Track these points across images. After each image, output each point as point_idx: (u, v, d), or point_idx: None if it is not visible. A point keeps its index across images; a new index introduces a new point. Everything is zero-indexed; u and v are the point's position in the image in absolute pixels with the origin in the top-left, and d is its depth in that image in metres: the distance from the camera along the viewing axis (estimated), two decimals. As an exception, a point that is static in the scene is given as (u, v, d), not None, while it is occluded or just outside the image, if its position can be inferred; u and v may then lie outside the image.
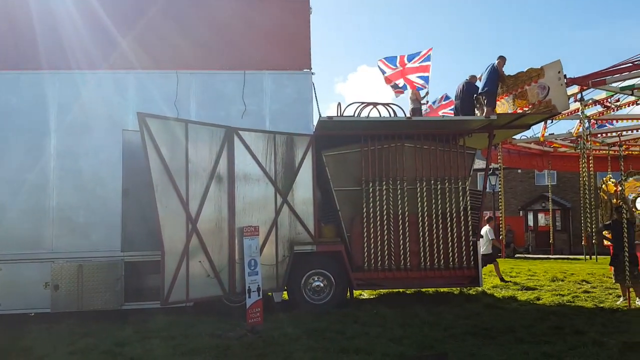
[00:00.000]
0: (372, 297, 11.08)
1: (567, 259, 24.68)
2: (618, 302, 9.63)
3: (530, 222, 33.77)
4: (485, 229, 13.75)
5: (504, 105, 11.06)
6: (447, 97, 15.81)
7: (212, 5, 9.80)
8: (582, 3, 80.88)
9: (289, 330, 7.41)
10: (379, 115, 9.90)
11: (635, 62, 10.36)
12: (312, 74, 9.78)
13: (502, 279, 13.27)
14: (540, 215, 33.92)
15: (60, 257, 8.60)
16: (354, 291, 10.04)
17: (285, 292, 9.46)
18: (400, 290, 11.11)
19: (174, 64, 9.41)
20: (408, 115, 10.60)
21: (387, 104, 9.98)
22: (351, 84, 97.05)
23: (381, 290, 10.67)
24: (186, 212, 7.92)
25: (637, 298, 9.59)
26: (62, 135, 8.97)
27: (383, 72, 13.88)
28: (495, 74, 10.30)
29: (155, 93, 9.17)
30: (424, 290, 11.20)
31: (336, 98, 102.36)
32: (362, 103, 9.94)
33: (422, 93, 12.58)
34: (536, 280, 13.67)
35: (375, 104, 9.98)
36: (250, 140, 8.89)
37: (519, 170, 32.51)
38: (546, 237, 28.44)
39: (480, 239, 13.56)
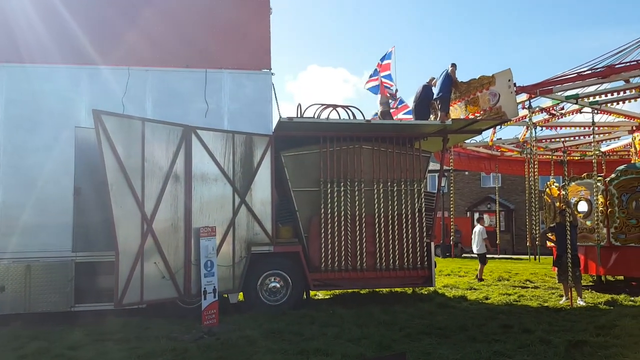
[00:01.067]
0: (327, 297, 11.17)
1: (511, 258, 25.72)
2: (561, 302, 10.12)
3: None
4: (477, 229, 14.24)
5: (457, 111, 11.39)
6: (401, 101, 16.11)
7: (172, 3, 9.61)
8: (534, 12, 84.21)
9: (246, 332, 7.35)
10: (338, 117, 9.99)
11: (580, 73, 10.91)
12: (272, 74, 9.75)
13: (480, 279, 13.69)
14: (486, 216, 35.06)
15: (6, 258, 8.20)
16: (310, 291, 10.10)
17: (241, 293, 9.39)
18: (355, 290, 11.25)
19: (130, 60, 9.14)
20: (375, 116, 10.78)
21: (347, 107, 10.12)
22: (301, 82, 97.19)
23: (336, 290, 10.79)
24: (141, 212, 7.73)
25: (579, 298, 10.10)
26: (9, 130, 8.55)
27: (374, 74, 13.89)
28: (449, 81, 10.59)
29: (110, 89, 8.89)
30: (377, 289, 11.39)
31: (286, 96, 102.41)
32: (322, 105, 10.00)
33: (393, 93, 12.72)
34: (483, 279, 14.17)
35: (334, 106, 10.08)
36: (209, 140, 8.77)
37: (467, 173, 33.53)
38: (491, 237, 29.40)
39: (474, 238, 14.06)
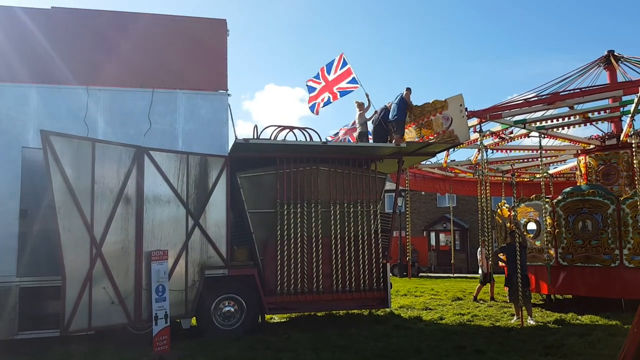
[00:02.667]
0: (283, 320, 11.05)
1: (466, 277, 26.16)
2: (512, 321, 10.35)
3: (433, 242, 35.49)
4: (479, 250, 14.49)
5: (411, 133, 11.62)
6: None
7: (128, 22, 9.48)
8: (484, 38, 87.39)
9: (198, 359, 7.18)
10: (295, 139, 10.01)
11: (527, 99, 11.36)
12: (228, 95, 9.72)
13: (492, 298, 14.04)
14: (442, 235, 35.76)
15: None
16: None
17: (193, 318, 9.18)
18: (311, 313, 11.18)
19: (82, 79, 8.93)
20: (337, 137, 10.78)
21: (303, 128, 10.17)
22: (258, 101, 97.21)
23: (292, 313, 10.70)
24: (90, 235, 7.49)
25: (529, 317, 10.36)
26: (-51, 150, 8.17)
27: (312, 91, 13.91)
28: (404, 104, 10.81)
29: (60, 109, 8.65)
30: (334, 312, 11.36)
31: (243, 115, 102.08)
32: (279, 126, 10.02)
33: (367, 106, 12.58)
34: (439, 299, 14.36)
35: (291, 128, 10.11)
36: (162, 161, 8.62)
37: (423, 193, 34.12)
38: (447, 256, 30.02)
39: (479, 259, 14.18)
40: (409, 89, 10.94)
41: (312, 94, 14.04)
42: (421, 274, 28.17)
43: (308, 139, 10.04)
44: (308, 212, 9.84)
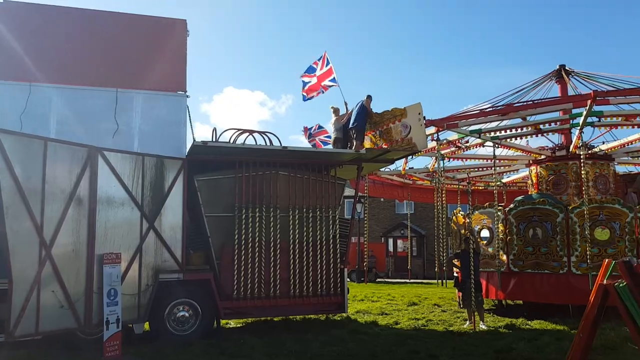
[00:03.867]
0: (239, 325, 10.94)
1: (422, 283, 26.60)
2: (465, 326, 10.57)
3: (390, 248, 35.95)
4: None
5: (371, 140, 11.75)
6: (320, 127, 16.40)
7: (85, 20, 9.24)
8: (445, 49, 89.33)
9: (151, 365, 7.03)
10: (254, 143, 9.97)
11: (482, 110, 11.69)
12: (187, 96, 9.60)
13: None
14: (400, 242, 36.26)
15: None
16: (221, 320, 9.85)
17: (147, 323, 8.97)
18: (268, 318, 11.11)
19: (33, 75, 8.63)
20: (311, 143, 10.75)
21: (263, 132, 10.14)
22: (217, 104, 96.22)
23: (248, 319, 10.62)
24: (40, 237, 7.24)
25: (481, 322, 10.61)
26: None
27: (305, 85, 13.78)
28: (364, 111, 10.93)
29: (9, 106, 8.33)
30: (291, 317, 11.32)
31: (201, 118, 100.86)
32: (238, 130, 9.95)
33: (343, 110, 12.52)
34: (395, 304, 14.53)
35: (251, 132, 10.06)
36: (116, 162, 8.43)
37: (382, 199, 34.52)
38: (404, 262, 30.43)
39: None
40: (369, 97, 11.07)
41: (305, 88, 13.89)
42: (378, 280, 28.49)
43: (268, 143, 10.01)
44: (266, 216, 9.80)
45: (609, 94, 10.79)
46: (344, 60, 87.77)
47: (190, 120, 9.56)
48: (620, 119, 11.82)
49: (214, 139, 9.75)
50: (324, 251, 10.08)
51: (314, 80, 13.34)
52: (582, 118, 11.20)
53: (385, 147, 11.01)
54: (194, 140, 9.29)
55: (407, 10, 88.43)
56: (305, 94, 13.59)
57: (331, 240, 10.21)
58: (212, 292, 9.19)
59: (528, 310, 12.48)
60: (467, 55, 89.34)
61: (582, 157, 11.69)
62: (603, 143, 14.42)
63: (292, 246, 9.88)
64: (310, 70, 13.47)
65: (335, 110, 11.76)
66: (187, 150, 9.48)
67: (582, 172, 12.02)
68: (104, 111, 8.98)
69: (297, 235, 9.95)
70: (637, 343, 6.14)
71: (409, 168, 16.70)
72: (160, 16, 9.86)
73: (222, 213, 9.64)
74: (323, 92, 13.45)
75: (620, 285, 6.34)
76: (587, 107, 10.58)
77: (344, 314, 11.09)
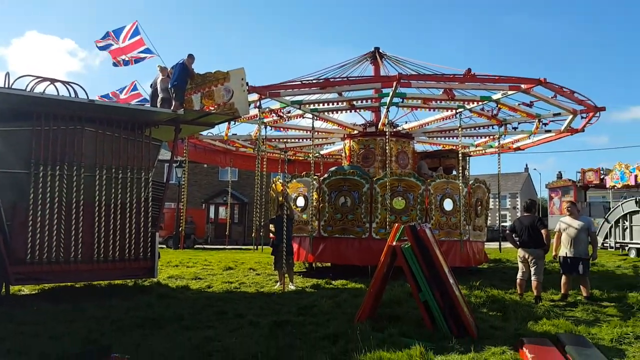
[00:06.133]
0: (34, 292, 9.96)
1: (241, 249, 27.06)
2: (275, 287, 11.06)
3: (212, 215, 35.80)
4: None
5: (192, 102, 11.41)
6: (135, 88, 15.49)
7: None
8: (277, 22, 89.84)
9: None
10: (57, 93, 8.99)
11: (303, 82, 12.11)
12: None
13: None
14: (222, 209, 36.29)
15: None
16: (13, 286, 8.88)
17: None
18: (69, 284, 10.31)
19: None
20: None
21: (68, 82, 9.18)
22: (16, 49, 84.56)
23: (46, 285, 9.74)
24: None
25: (291, 283, 11.19)
26: None
27: (106, 48, 13.08)
28: (185, 71, 10.53)
29: None
30: (96, 283, 10.66)
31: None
32: (37, 77, 8.87)
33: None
34: (210, 269, 14.57)
35: (53, 80, 9.04)
36: None
37: (205, 165, 34.02)
38: (225, 228, 30.59)
39: None
40: (190, 55, 10.69)
41: (108, 50, 13.30)
42: (197, 246, 28.22)
43: (73, 95, 9.09)
44: (69, 175, 8.98)
45: (412, 78, 11.97)
46: (153, 23, 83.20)
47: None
48: (420, 101, 13.21)
49: (6, 86, 8.56)
50: (133, 214, 9.60)
51: (114, 46, 12.87)
52: (389, 98, 12.26)
53: (207, 110, 10.81)
54: (-19, 86, 8.05)
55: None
56: (115, 61, 13.09)
57: (142, 203, 9.76)
58: (1, 256, 8.20)
59: (334, 272, 13.48)
60: (303, 31, 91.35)
61: (387, 134, 12.85)
62: (406, 123, 16.02)
63: (97, 208, 9.22)
64: (105, 36, 12.99)
65: (163, 70, 11.20)
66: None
67: (387, 147, 13.23)
68: None
69: (103, 197, 9.31)
70: (416, 297, 7.06)
71: (232, 134, 16.64)
72: None
73: (15, 169, 8.60)
74: (137, 62, 13.11)
75: (406, 246, 7.20)
76: (393, 88, 11.59)
77: (154, 279, 10.79)
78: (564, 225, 9.54)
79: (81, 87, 9.23)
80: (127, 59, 13.70)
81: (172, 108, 10.21)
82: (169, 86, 10.54)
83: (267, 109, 13.93)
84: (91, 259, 9.15)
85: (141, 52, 13.39)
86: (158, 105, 10.82)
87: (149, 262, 9.80)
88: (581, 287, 9.44)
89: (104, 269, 9.32)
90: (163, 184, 10.89)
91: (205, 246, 29.37)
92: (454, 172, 15.52)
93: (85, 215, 9.10)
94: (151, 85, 11.78)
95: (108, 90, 14.88)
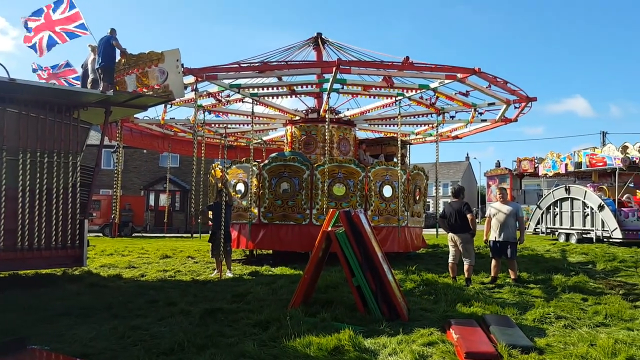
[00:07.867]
0: (-50, 284, 9.35)
1: (181, 237, 26.51)
2: (212, 275, 10.87)
3: (152, 202, 34.83)
4: None
5: (126, 83, 10.96)
6: (68, 64, 14.73)
7: None
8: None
9: None
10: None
11: (241, 64, 11.85)
12: None
13: None
14: (163, 196, 35.35)
15: None
16: None
17: None
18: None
19: None
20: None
21: (-14, 60, 8.57)
22: None
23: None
24: None
25: (228, 270, 11.04)
26: None
27: (28, 30, 12.16)
28: (112, 49, 10.07)
29: None
30: (22, 273, 10.13)
31: None
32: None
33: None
34: (146, 258, 14.17)
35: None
36: None
37: (145, 151, 33.02)
38: (161, 216, 29.89)
39: None
40: (113, 30, 10.21)
41: (29, 34, 12.36)
42: (135, 234, 27.41)
43: (-8, 73, 8.53)
44: (-12, 158, 8.43)
45: (352, 64, 11.96)
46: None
47: None
48: (360, 88, 13.26)
49: None
50: (60, 201, 9.15)
51: (40, 22, 12.06)
52: (329, 84, 12.21)
53: (140, 92, 10.41)
54: None
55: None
56: (31, 42, 12.23)
57: (70, 189, 9.32)
58: None
59: (274, 258, 13.41)
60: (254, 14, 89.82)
61: (327, 120, 12.83)
62: (348, 110, 16.08)
63: (21, 194, 8.72)
64: (39, 13, 12.12)
65: (94, 49, 10.67)
66: None
67: (327, 134, 13.23)
68: None
69: (27, 182, 8.81)
70: (349, 282, 7.11)
71: (170, 118, 16.15)
72: None
73: None
74: (68, 38, 12.30)
75: (340, 232, 7.23)
76: (333, 74, 11.55)
77: (84, 268, 10.39)
78: (493, 211, 9.88)
79: (3, 66, 8.70)
80: (59, 31, 12.87)
81: (101, 89, 9.77)
82: (96, 67, 10.08)
83: (205, 92, 13.59)
84: (15, 247, 8.66)
85: (77, 26, 12.64)
86: (88, 86, 10.33)
87: (78, 250, 9.40)
88: (509, 270, 9.83)
89: (30, 258, 8.84)
90: (92, 168, 10.43)
91: (144, 234, 28.55)
92: (395, 160, 15.75)
93: (8, 202, 8.60)
94: (82, 65, 11.26)
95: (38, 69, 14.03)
